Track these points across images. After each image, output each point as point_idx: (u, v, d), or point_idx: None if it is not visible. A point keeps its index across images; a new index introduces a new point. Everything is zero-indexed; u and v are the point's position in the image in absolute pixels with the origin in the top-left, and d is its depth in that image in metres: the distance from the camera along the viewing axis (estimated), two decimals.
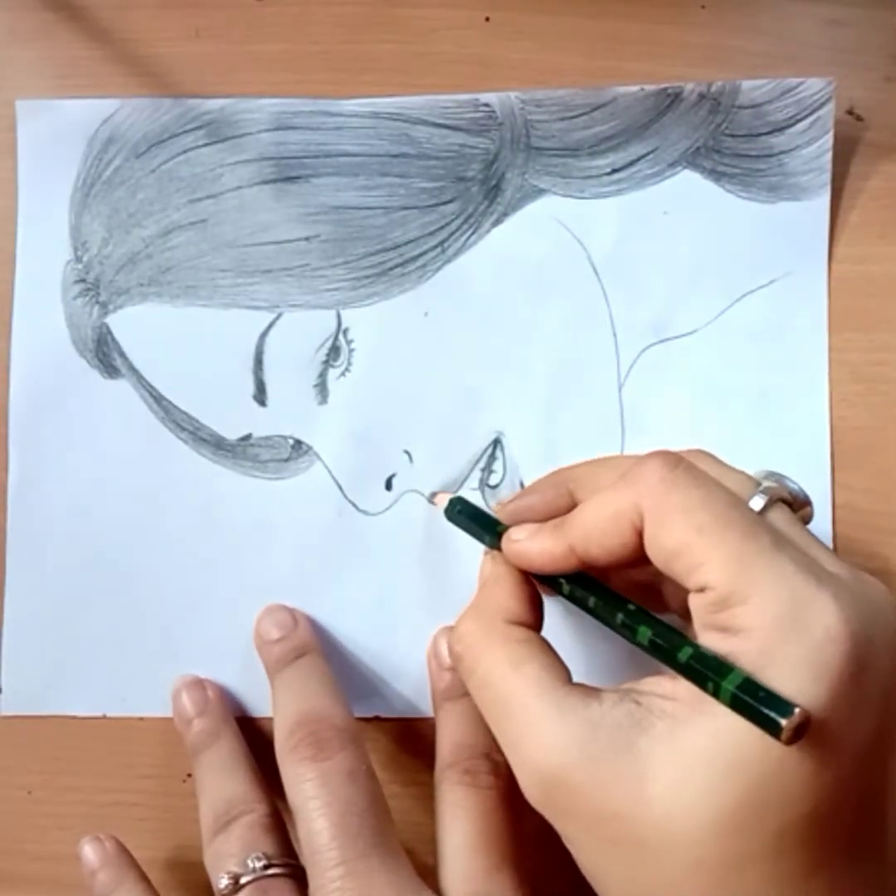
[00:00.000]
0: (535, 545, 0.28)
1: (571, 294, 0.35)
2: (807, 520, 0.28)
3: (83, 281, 0.35)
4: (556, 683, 0.26)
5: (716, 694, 0.23)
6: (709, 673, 0.23)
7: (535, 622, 0.29)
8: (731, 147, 0.34)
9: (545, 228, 0.35)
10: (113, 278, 0.35)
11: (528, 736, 0.25)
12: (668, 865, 0.23)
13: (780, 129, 0.34)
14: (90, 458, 0.35)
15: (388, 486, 0.35)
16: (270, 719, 0.31)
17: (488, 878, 0.29)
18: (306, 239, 0.35)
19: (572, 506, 0.29)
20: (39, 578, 0.35)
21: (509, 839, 0.30)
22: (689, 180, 0.35)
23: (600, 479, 0.29)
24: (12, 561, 0.35)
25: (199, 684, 0.34)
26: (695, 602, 0.25)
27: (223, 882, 0.29)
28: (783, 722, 0.22)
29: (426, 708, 0.34)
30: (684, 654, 0.24)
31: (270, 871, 0.29)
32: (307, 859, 0.28)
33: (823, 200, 0.34)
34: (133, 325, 0.35)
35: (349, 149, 0.35)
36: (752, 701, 0.22)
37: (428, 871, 0.29)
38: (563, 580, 0.28)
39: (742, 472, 0.27)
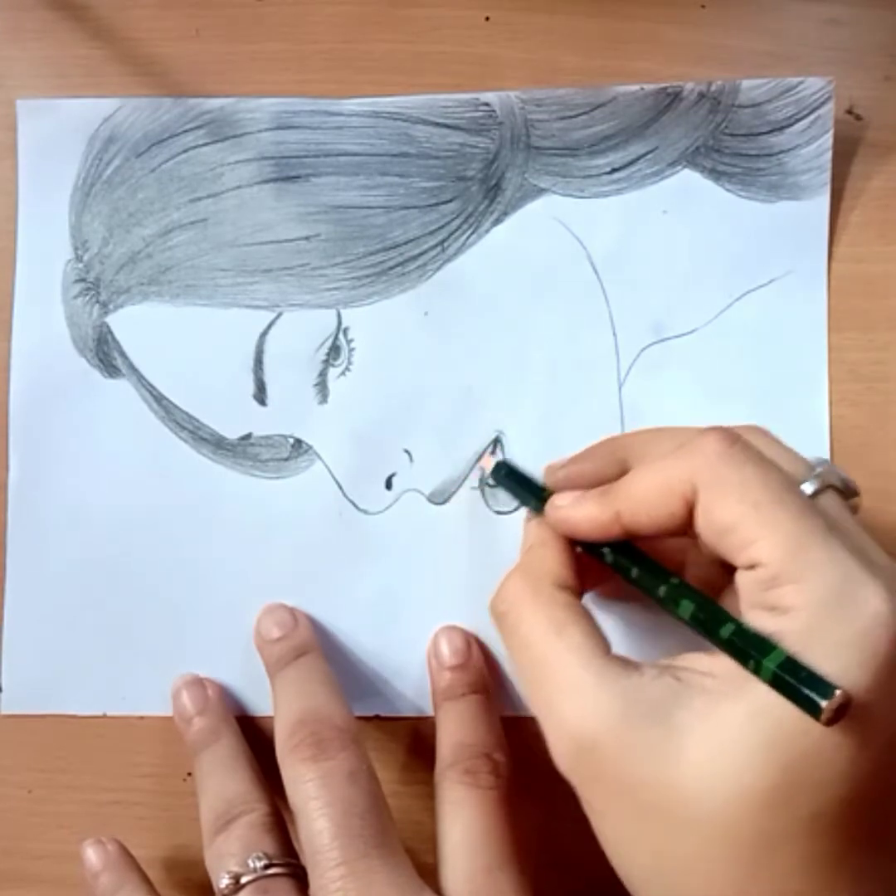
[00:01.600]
0: (579, 512, 0.28)
1: (571, 293, 0.35)
2: (855, 511, 0.27)
3: (83, 280, 0.35)
4: (598, 651, 0.26)
5: (756, 671, 0.23)
6: (751, 650, 0.23)
7: (578, 588, 0.28)
8: (730, 146, 0.34)
9: (545, 228, 0.35)
10: (113, 278, 0.35)
11: (565, 699, 0.25)
12: (696, 840, 0.23)
13: (780, 129, 0.34)
14: (90, 458, 0.35)
15: (388, 485, 0.35)
16: (271, 718, 0.31)
17: (488, 878, 0.29)
18: (306, 238, 0.35)
19: (622, 475, 0.29)
20: (40, 577, 0.35)
21: (509, 839, 0.30)
22: (688, 179, 0.35)
23: (656, 449, 0.28)
24: (12, 560, 0.35)
25: (199, 683, 0.34)
26: (743, 579, 0.25)
27: (224, 882, 0.29)
28: (823, 703, 0.21)
29: (427, 707, 0.34)
30: (727, 631, 0.24)
31: (271, 871, 0.29)
32: (308, 859, 0.28)
33: (823, 200, 0.34)
34: (133, 325, 0.35)
35: (349, 148, 0.35)
36: (793, 680, 0.22)
37: (428, 871, 0.29)
38: (606, 549, 0.28)
39: (797, 455, 0.27)
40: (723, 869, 0.23)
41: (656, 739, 0.24)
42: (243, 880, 0.29)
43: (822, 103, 0.34)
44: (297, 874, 0.29)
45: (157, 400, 0.35)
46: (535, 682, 0.26)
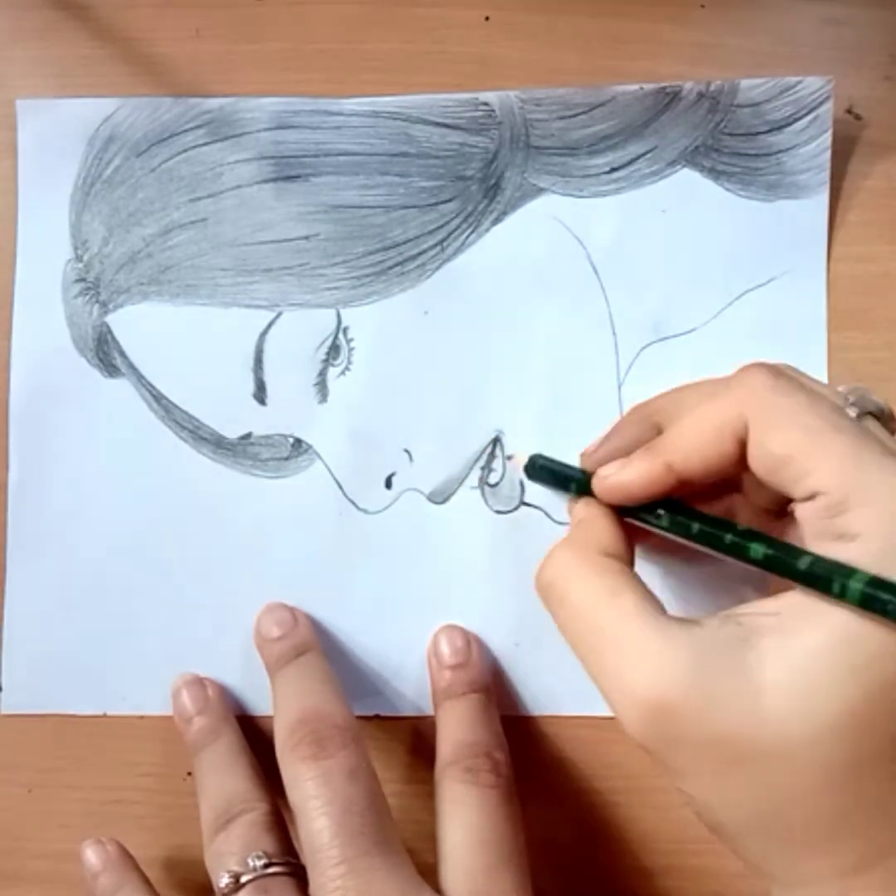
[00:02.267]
0: (629, 472, 0.28)
1: (571, 292, 0.35)
2: (893, 434, 0.27)
3: (83, 280, 0.35)
4: (655, 612, 0.25)
5: (842, 595, 0.22)
6: (835, 575, 0.23)
7: (628, 558, 0.28)
8: (729, 146, 0.35)
9: (544, 227, 0.35)
10: (113, 277, 0.35)
11: (631, 664, 0.24)
12: (788, 775, 0.23)
13: (779, 128, 0.34)
14: (90, 457, 0.35)
15: (388, 484, 0.35)
16: (270, 717, 0.31)
17: (488, 877, 0.29)
18: (306, 238, 0.35)
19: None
20: (40, 577, 0.35)
21: (510, 838, 0.30)
22: (688, 179, 0.35)
23: (685, 403, 0.28)
24: (12, 559, 0.35)
25: (199, 683, 0.34)
26: (805, 511, 0.24)
27: (224, 881, 0.29)
28: None
29: (427, 706, 0.34)
30: (804, 562, 0.24)
31: (271, 870, 0.29)
32: (308, 858, 0.28)
33: (822, 199, 0.35)
34: (133, 324, 0.35)
35: (349, 148, 0.35)
36: (887, 595, 0.22)
37: (428, 870, 0.29)
38: (662, 511, 0.28)
39: (830, 386, 0.27)
40: (820, 799, 0.23)
41: (733, 686, 0.23)
42: (243, 879, 0.29)
43: (821, 103, 0.34)
44: (297, 873, 0.29)
45: (157, 399, 0.35)
46: (593, 649, 0.26)
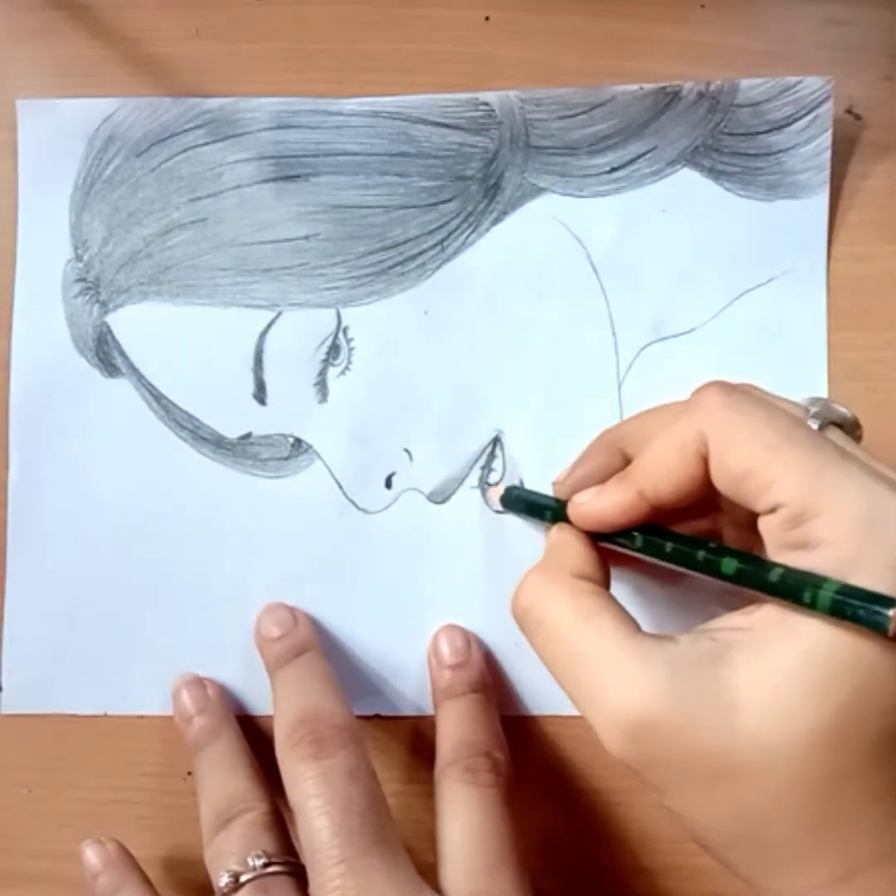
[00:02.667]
0: (603, 500, 0.28)
1: (571, 292, 0.35)
2: (858, 442, 0.27)
3: (83, 280, 0.35)
4: (630, 631, 0.25)
5: (813, 604, 0.23)
6: (805, 585, 0.23)
7: (602, 580, 0.28)
8: (729, 145, 0.35)
9: (544, 227, 0.35)
10: (113, 277, 0.35)
11: (608, 684, 0.25)
12: (769, 791, 0.23)
13: (779, 128, 0.34)
14: (90, 457, 0.35)
15: (388, 484, 0.35)
16: (270, 717, 0.31)
17: (488, 877, 0.29)
18: (306, 237, 0.35)
19: (626, 463, 0.29)
20: (40, 577, 0.35)
21: (509, 837, 0.30)
22: (687, 179, 0.35)
23: (649, 428, 0.29)
24: (13, 559, 0.35)
25: (198, 682, 0.34)
26: (767, 524, 0.25)
27: (223, 880, 0.29)
28: (890, 613, 0.21)
29: (426, 706, 0.34)
30: (775, 574, 0.24)
31: (271, 870, 0.29)
32: (308, 857, 0.28)
33: (822, 199, 0.35)
34: (133, 324, 0.35)
35: (349, 147, 0.35)
36: (857, 601, 0.22)
37: (428, 869, 0.29)
38: (635, 533, 0.28)
39: (791, 401, 0.27)
40: (801, 813, 0.23)
41: (709, 702, 0.23)
42: (243, 879, 0.29)
43: (821, 102, 0.34)
44: (297, 872, 0.29)
45: (157, 399, 0.35)
46: (571, 673, 0.26)
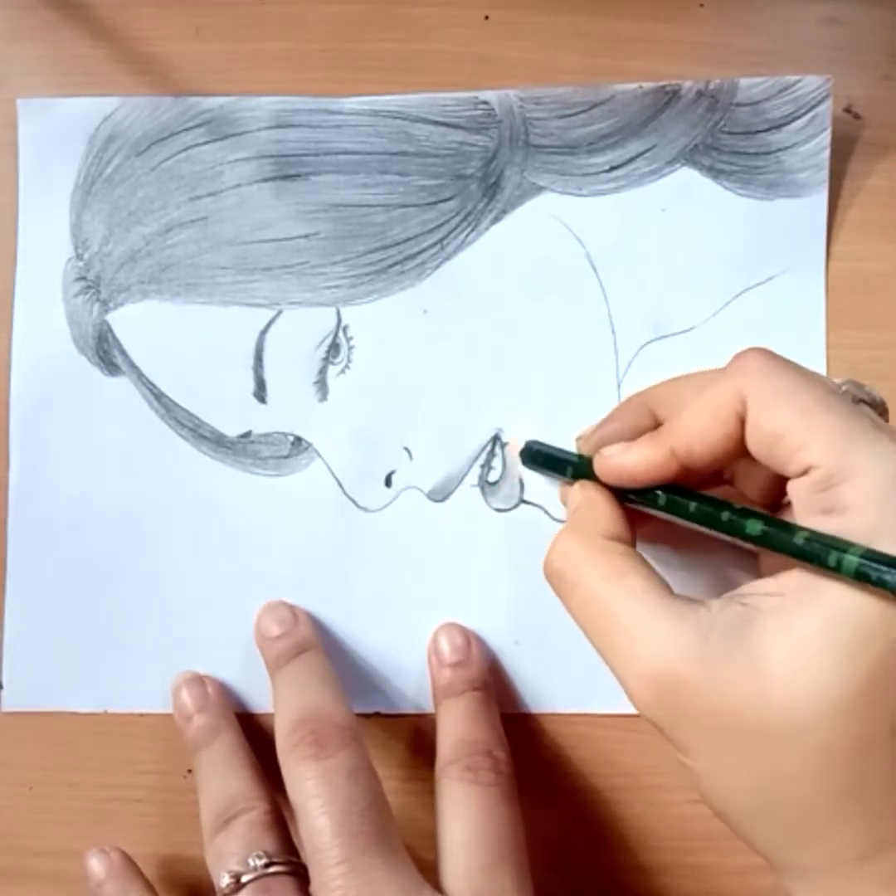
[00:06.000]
0: (632, 456, 0.28)
1: (570, 291, 0.35)
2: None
3: (84, 279, 0.35)
4: (662, 593, 0.26)
5: (838, 568, 0.23)
6: (830, 549, 0.23)
7: (631, 540, 0.29)
8: (728, 144, 0.35)
9: (544, 226, 0.35)
10: (113, 276, 0.35)
11: (640, 643, 0.25)
12: (793, 755, 0.23)
13: (778, 127, 0.34)
14: (91, 456, 0.35)
15: (388, 482, 0.35)
16: (271, 715, 0.31)
17: (488, 875, 0.29)
18: (306, 236, 0.35)
19: (655, 426, 0.29)
20: (40, 575, 0.35)
21: (509, 836, 0.30)
22: (687, 177, 0.35)
23: (683, 391, 0.29)
24: (13, 557, 0.35)
25: (198, 680, 0.34)
26: (797, 487, 0.25)
27: (224, 881, 0.29)
28: None
29: (427, 704, 0.34)
30: (800, 537, 0.24)
31: (272, 870, 0.29)
32: (309, 857, 0.28)
33: (821, 198, 0.35)
34: (133, 323, 0.35)
35: (349, 147, 0.35)
36: (883, 567, 0.22)
37: (428, 867, 0.29)
38: (659, 492, 0.28)
39: (824, 376, 0.28)
40: (824, 780, 0.23)
41: (738, 664, 0.23)
42: (244, 879, 0.29)
43: (820, 101, 0.34)
44: (298, 872, 0.29)
45: (157, 398, 0.35)
46: (604, 633, 0.26)
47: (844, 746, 0.23)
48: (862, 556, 0.22)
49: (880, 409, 0.27)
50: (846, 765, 0.23)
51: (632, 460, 0.28)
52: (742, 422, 0.26)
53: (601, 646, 0.26)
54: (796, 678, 0.23)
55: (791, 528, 0.24)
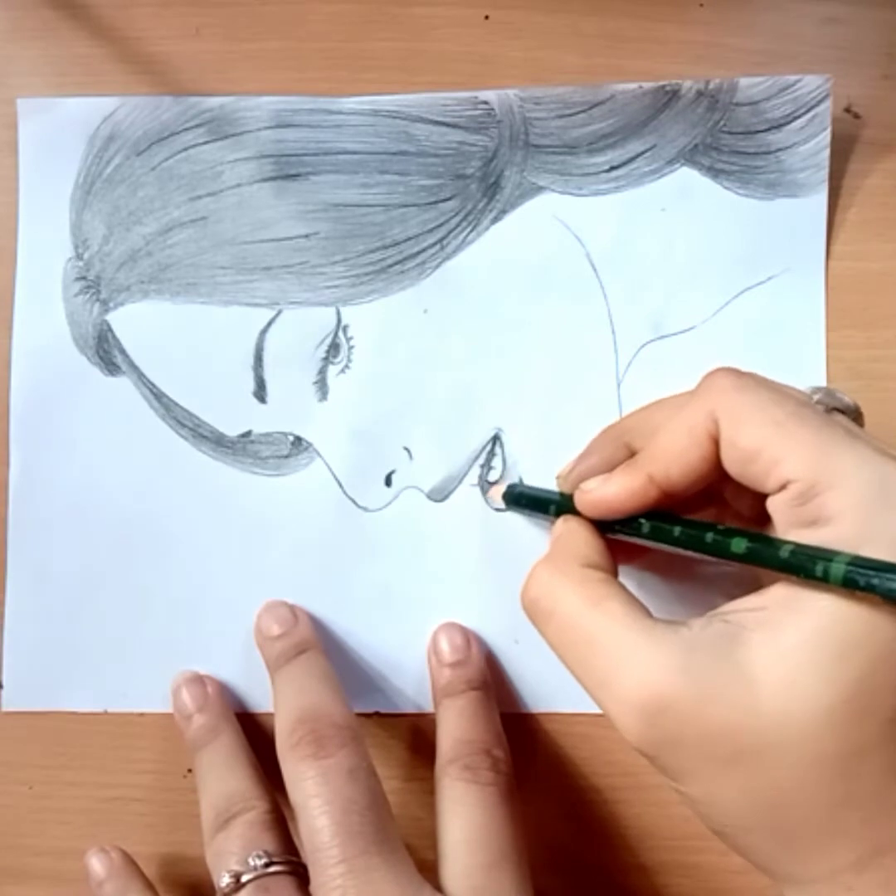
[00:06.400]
0: (611, 487, 0.28)
1: (570, 291, 0.35)
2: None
3: (84, 278, 0.35)
4: (641, 616, 0.25)
5: (825, 577, 0.23)
6: (817, 559, 0.23)
7: (611, 568, 0.28)
8: (728, 144, 0.35)
9: (544, 226, 0.35)
10: (113, 276, 0.35)
11: (622, 669, 0.24)
12: (788, 769, 0.23)
13: (778, 127, 0.34)
14: (91, 455, 0.35)
15: (388, 482, 0.35)
16: (271, 715, 0.31)
17: (487, 875, 0.29)
18: (306, 236, 0.35)
19: (631, 456, 0.29)
20: (40, 575, 0.35)
21: (509, 835, 0.30)
22: (687, 177, 0.35)
23: (655, 419, 0.29)
24: (13, 557, 0.35)
25: (198, 680, 0.34)
26: (776, 503, 0.25)
27: (224, 880, 0.29)
28: None
29: (426, 704, 0.34)
30: (786, 550, 0.24)
31: (272, 869, 0.29)
32: (309, 857, 0.28)
33: (821, 197, 0.35)
34: (133, 323, 0.35)
35: (349, 146, 0.35)
36: (871, 571, 0.22)
37: (428, 866, 0.29)
38: (642, 520, 0.28)
39: (794, 388, 0.27)
40: (819, 790, 0.23)
41: (725, 683, 0.23)
42: (244, 879, 0.29)
43: (820, 101, 0.34)
44: (298, 872, 0.29)
45: (158, 397, 0.35)
46: (584, 661, 0.26)
47: (837, 755, 0.23)
48: (848, 564, 0.22)
49: (855, 415, 0.27)
50: (839, 774, 0.23)
51: (612, 491, 0.28)
52: (716, 443, 0.26)
53: (581, 675, 0.26)
54: (785, 689, 0.23)
55: (775, 543, 0.24)
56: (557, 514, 0.31)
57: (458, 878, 0.29)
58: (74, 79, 0.36)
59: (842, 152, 0.35)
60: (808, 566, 0.23)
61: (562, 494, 0.31)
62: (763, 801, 0.24)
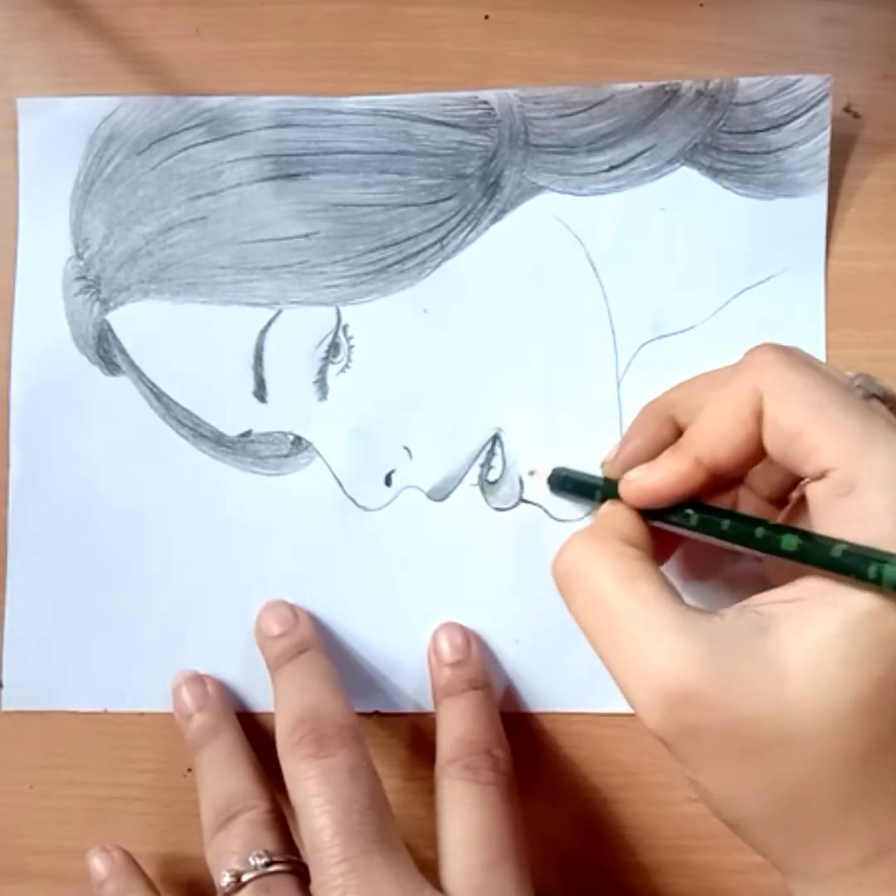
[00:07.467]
0: (657, 474, 0.27)
1: (570, 290, 0.35)
2: None
3: (84, 278, 0.35)
4: (675, 601, 0.25)
5: (879, 579, 0.22)
6: (871, 560, 0.23)
7: (649, 549, 0.28)
8: (728, 144, 0.35)
9: (543, 225, 0.35)
10: (114, 275, 0.35)
11: (649, 651, 0.24)
12: (808, 761, 0.23)
13: (778, 126, 0.34)
14: (91, 455, 0.35)
15: (388, 481, 0.35)
16: (271, 714, 0.32)
17: (487, 874, 0.29)
18: (306, 236, 0.35)
19: (677, 432, 0.28)
20: (41, 574, 0.35)
21: (509, 835, 0.30)
22: (686, 177, 0.35)
23: (699, 392, 0.28)
24: (13, 556, 0.35)
25: (198, 679, 0.34)
26: (816, 490, 0.24)
27: (225, 880, 0.29)
28: None
29: (426, 703, 0.34)
30: (838, 549, 0.23)
31: (272, 868, 0.29)
32: (309, 856, 0.28)
33: (820, 197, 0.35)
34: (133, 322, 0.35)
35: (349, 146, 0.35)
36: None
37: (428, 866, 0.29)
38: (690, 511, 0.27)
39: (838, 369, 0.27)
40: (838, 784, 0.23)
41: (753, 673, 0.23)
42: (244, 878, 0.29)
43: (819, 101, 0.34)
44: (299, 871, 0.29)
45: (158, 397, 0.35)
46: (611, 638, 0.25)
47: (858, 751, 0.23)
48: None
49: (892, 403, 0.27)
50: (856, 770, 0.23)
51: (658, 478, 0.27)
52: (760, 420, 0.25)
53: (605, 651, 0.26)
54: (812, 681, 0.23)
55: (827, 542, 0.24)
56: (603, 501, 0.30)
57: (458, 878, 0.29)
58: (74, 79, 0.36)
59: (841, 152, 0.35)
60: (860, 567, 0.23)
61: (607, 480, 0.31)
62: (779, 795, 0.23)
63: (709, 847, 0.34)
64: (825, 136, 0.34)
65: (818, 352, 0.35)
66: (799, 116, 0.34)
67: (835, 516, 0.24)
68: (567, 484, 0.33)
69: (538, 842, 0.33)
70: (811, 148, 0.34)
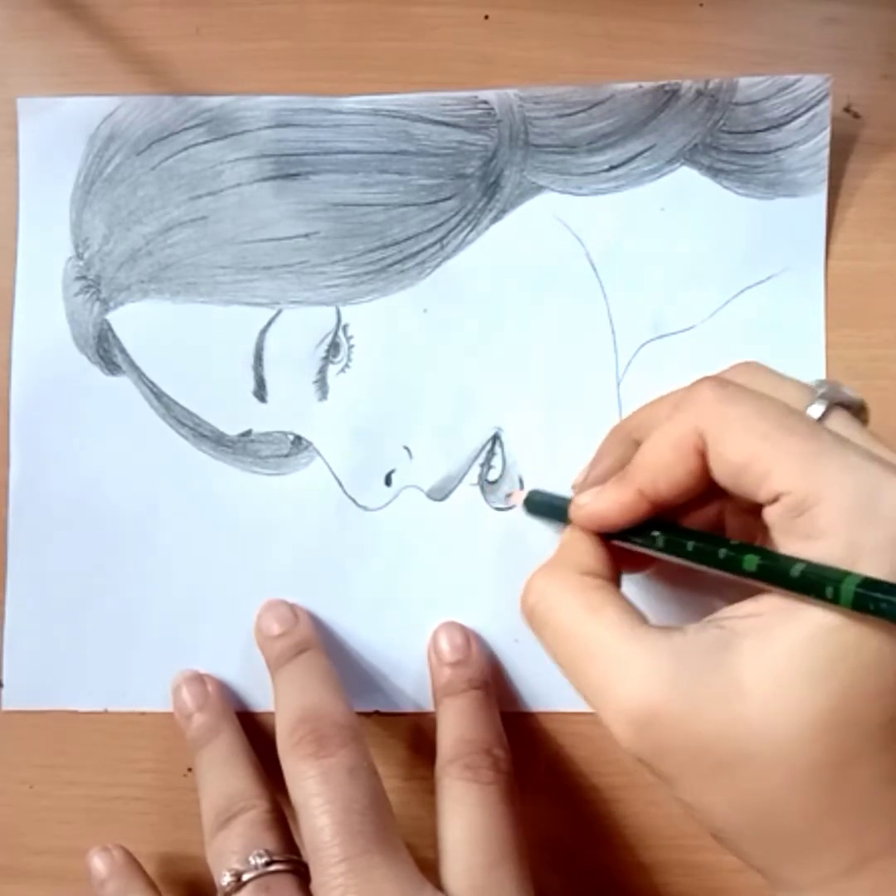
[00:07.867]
0: (602, 502, 0.28)
1: (570, 290, 0.35)
2: (864, 424, 0.27)
3: (84, 278, 0.35)
4: (637, 624, 0.25)
5: (836, 599, 0.23)
6: (827, 580, 0.23)
7: (610, 576, 0.28)
8: (728, 144, 0.35)
9: (543, 225, 0.35)
10: (114, 275, 0.35)
11: (615, 677, 0.25)
12: (776, 776, 0.23)
13: (778, 126, 0.34)
14: (91, 454, 0.35)
15: (388, 481, 0.35)
16: (271, 714, 0.32)
17: (488, 874, 0.29)
18: (306, 235, 0.35)
19: None
20: (41, 574, 0.35)
21: (509, 834, 0.30)
22: (686, 177, 0.35)
23: (658, 416, 0.28)
24: (14, 556, 0.35)
25: (199, 679, 0.34)
26: (771, 515, 0.24)
27: (225, 879, 0.29)
28: None
29: (426, 703, 0.34)
30: (797, 569, 0.24)
31: (272, 868, 0.29)
32: (310, 856, 0.28)
33: (820, 197, 0.35)
34: (134, 322, 0.35)
35: (349, 146, 0.35)
36: (880, 595, 0.22)
37: (428, 865, 0.29)
38: (656, 533, 0.28)
39: (797, 381, 0.27)
40: (808, 797, 0.23)
41: (715, 690, 0.23)
42: (245, 878, 0.29)
43: (819, 100, 0.34)
44: (299, 870, 0.30)
45: (158, 397, 0.35)
46: (579, 667, 0.26)
47: (824, 764, 0.23)
48: (858, 587, 0.22)
49: (859, 409, 0.27)
50: (829, 783, 0.23)
51: (604, 506, 0.28)
52: (703, 457, 0.26)
53: (576, 681, 0.26)
54: (773, 698, 0.23)
55: (786, 561, 0.24)
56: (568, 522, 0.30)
57: (458, 878, 0.29)
58: (74, 79, 0.36)
59: (841, 152, 0.35)
60: (818, 587, 0.23)
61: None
62: (751, 809, 0.24)
63: (708, 846, 0.34)
64: (825, 136, 0.34)
65: (818, 352, 0.35)
66: (799, 116, 0.34)
67: (792, 536, 0.24)
68: (540, 507, 0.33)
69: (538, 841, 0.33)
70: (811, 148, 0.34)
